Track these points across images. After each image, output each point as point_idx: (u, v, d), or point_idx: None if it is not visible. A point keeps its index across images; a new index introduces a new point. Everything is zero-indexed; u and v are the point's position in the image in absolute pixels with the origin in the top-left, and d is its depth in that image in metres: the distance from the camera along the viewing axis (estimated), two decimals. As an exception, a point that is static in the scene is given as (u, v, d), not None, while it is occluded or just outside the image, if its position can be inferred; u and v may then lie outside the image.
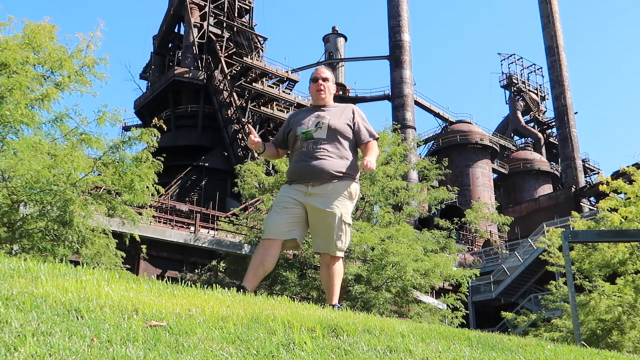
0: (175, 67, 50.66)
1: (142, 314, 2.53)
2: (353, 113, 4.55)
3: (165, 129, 12.12)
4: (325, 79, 4.59)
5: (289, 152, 4.68)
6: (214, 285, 4.27)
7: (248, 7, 55.38)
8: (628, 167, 14.71)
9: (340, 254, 4.41)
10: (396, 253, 16.97)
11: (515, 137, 76.51)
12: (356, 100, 63.77)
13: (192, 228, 26.44)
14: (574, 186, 55.21)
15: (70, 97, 11.54)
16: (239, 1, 54.47)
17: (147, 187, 11.09)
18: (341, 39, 78.51)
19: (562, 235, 7.01)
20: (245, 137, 47.31)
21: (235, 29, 52.02)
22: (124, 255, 14.06)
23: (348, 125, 4.47)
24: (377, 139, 4.64)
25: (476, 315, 35.11)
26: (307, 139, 4.40)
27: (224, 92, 48.77)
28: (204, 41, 51.31)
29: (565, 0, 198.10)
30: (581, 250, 14.07)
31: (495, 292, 35.96)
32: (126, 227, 12.62)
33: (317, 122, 4.44)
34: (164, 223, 26.76)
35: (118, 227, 13.54)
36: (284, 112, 49.07)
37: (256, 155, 4.52)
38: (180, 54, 53.09)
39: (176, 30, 55.97)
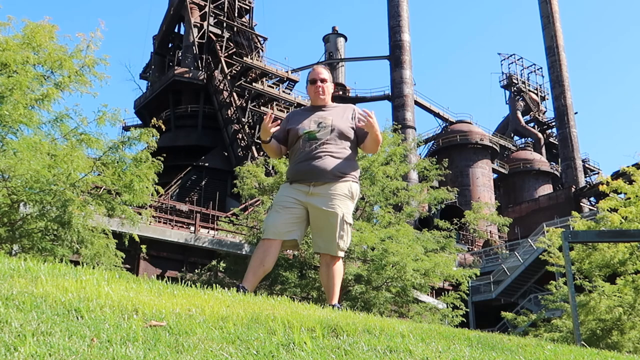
0: (175, 67, 50.66)
1: (142, 314, 2.53)
2: (354, 112, 4.56)
3: (164, 129, 12.13)
4: (323, 80, 4.57)
5: (288, 151, 4.65)
6: (214, 285, 4.26)
7: (248, 7, 55.39)
8: (628, 167, 14.70)
9: (342, 254, 4.41)
10: (396, 253, 16.98)
11: (515, 137, 76.52)
12: (356, 100, 63.73)
13: (192, 228, 26.43)
14: (574, 186, 55.20)
15: (70, 97, 11.56)
16: (239, 1, 54.48)
17: (147, 187, 11.09)
18: (341, 39, 78.51)
19: (562, 235, 7.01)
20: (245, 137, 47.32)
21: (235, 29, 52.03)
22: (124, 255, 14.05)
23: (350, 125, 4.48)
24: None
25: (476, 315, 35.10)
26: (310, 139, 4.39)
27: (224, 92, 48.78)
28: (204, 41, 51.32)
29: (565, 0, 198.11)
30: (581, 250, 14.06)
31: (495, 292, 35.94)
32: (126, 227, 12.63)
33: (320, 123, 4.43)
34: (164, 223, 26.75)
35: (118, 227, 13.54)
36: (284, 112, 49.05)
37: (263, 141, 4.24)
38: (180, 54, 53.10)
39: (176, 30, 55.97)
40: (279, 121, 4.50)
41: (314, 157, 4.33)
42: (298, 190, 4.35)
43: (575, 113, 63.57)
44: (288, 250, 18.52)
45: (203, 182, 46.80)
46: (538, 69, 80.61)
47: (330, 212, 4.28)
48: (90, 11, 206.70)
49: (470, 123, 65.09)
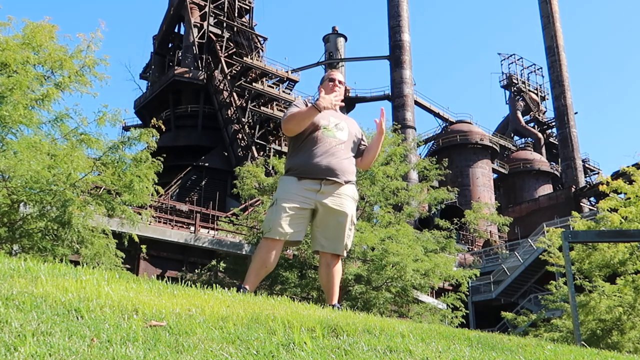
0: (175, 67, 50.68)
1: (142, 314, 2.53)
2: (358, 127, 4.73)
3: (164, 129, 12.12)
4: (341, 82, 4.68)
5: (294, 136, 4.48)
6: (214, 285, 4.26)
7: (248, 7, 55.40)
8: (628, 167, 14.71)
9: (345, 253, 4.44)
10: (396, 253, 16.98)
11: (515, 137, 76.53)
12: (356, 100, 63.75)
13: (192, 228, 26.44)
14: (574, 186, 55.20)
15: (70, 97, 11.55)
16: (239, 1, 54.49)
17: (147, 187, 11.09)
18: (341, 39, 78.44)
19: (562, 235, 7.01)
20: (245, 137, 47.32)
21: (235, 29, 52.04)
22: (124, 255, 14.06)
23: (358, 136, 4.63)
24: None
25: (476, 315, 35.10)
26: (328, 136, 4.40)
27: (224, 92, 48.78)
28: (204, 41, 51.33)
29: (565, 0, 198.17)
30: (581, 250, 14.06)
31: (495, 292, 35.95)
32: (126, 227, 12.62)
33: (337, 124, 4.49)
34: (164, 223, 26.76)
35: (118, 227, 13.54)
36: (284, 112, 49.00)
37: (319, 108, 4.26)
38: (180, 54, 53.11)
39: (176, 30, 55.99)
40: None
41: (332, 155, 4.35)
42: (307, 188, 4.31)
43: (575, 113, 63.55)
44: (288, 250, 18.51)
45: (203, 182, 46.81)
46: (538, 69, 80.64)
47: (341, 212, 4.32)
48: (91, 11, 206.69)
49: (470, 123, 65.08)
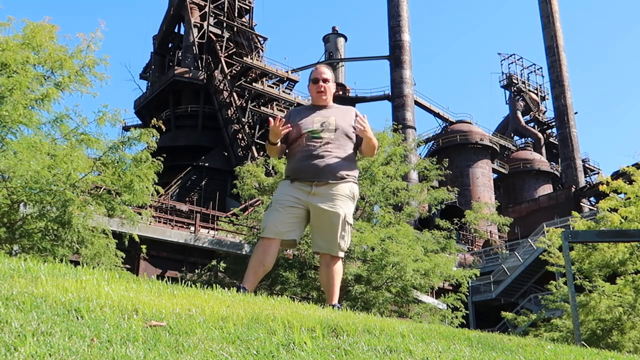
0: (175, 67, 50.66)
1: (142, 314, 2.53)
2: (356, 116, 4.56)
3: (164, 129, 12.12)
4: (325, 80, 4.55)
5: (287, 149, 4.61)
6: (214, 285, 4.26)
7: (248, 7, 55.39)
8: (628, 167, 14.73)
9: (342, 254, 4.41)
10: (396, 253, 16.97)
11: (515, 137, 76.53)
12: (356, 100, 63.73)
13: (192, 228, 26.43)
14: (574, 186, 55.19)
15: (70, 97, 11.56)
16: (239, 1, 54.48)
17: (147, 187, 11.09)
18: (341, 39, 78.52)
19: (562, 235, 7.01)
20: (245, 137, 47.31)
21: (235, 29, 52.03)
22: (124, 255, 14.05)
23: (352, 127, 4.48)
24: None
25: (476, 315, 35.10)
26: (314, 137, 4.36)
27: (224, 92, 48.77)
28: (204, 41, 51.32)
29: (565, 0, 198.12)
30: (581, 250, 14.06)
31: (495, 292, 35.95)
32: (126, 227, 12.62)
33: (323, 122, 4.41)
34: (164, 223, 26.76)
35: (118, 227, 13.53)
36: (284, 112, 49.01)
37: (271, 142, 4.13)
38: (180, 54, 53.09)
39: (176, 30, 55.98)
40: (290, 125, 4.38)
41: (318, 156, 4.31)
42: (299, 189, 4.32)
43: (575, 113, 63.55)
44: (288, 250, 18.50)
45: (203, 182, 46.80)
46: (538, 69, 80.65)
47: (332, 212, 4.27)
48: (91, 11, 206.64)
49: (470, 123, 65.09)
